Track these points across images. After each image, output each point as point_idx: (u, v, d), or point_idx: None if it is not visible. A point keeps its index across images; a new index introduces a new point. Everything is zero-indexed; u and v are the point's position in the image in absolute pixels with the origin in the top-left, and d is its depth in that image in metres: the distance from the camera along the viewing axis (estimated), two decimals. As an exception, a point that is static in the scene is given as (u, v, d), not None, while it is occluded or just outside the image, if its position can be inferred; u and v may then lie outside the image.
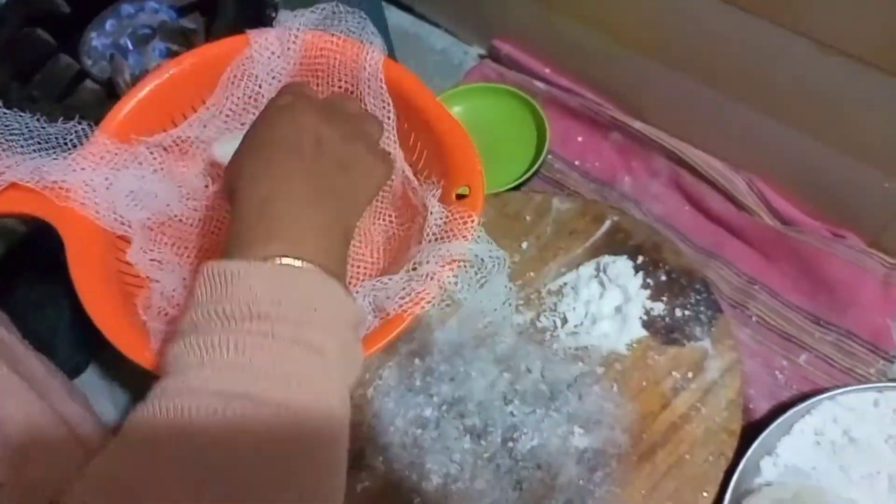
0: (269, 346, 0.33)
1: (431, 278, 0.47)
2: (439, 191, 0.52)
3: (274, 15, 0.59)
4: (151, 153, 0.54)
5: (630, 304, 0.61)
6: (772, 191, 0.67)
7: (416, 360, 0.61)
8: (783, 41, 0.54)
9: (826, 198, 0.64)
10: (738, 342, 0.61)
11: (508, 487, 0.55)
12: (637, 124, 0.72)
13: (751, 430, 0.57)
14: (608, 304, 0.61)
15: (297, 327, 0.34)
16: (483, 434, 0.57)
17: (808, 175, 0.64)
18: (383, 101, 0.53)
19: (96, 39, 0.63)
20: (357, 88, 0.55)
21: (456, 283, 0.47)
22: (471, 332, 0.62)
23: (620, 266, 0.63)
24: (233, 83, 0.55)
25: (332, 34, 0.55)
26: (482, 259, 0.48)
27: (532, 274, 0.64)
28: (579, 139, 0.76)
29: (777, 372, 0.61)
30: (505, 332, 0.61)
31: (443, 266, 0.47)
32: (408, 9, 0.90)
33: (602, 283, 0.63)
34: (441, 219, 0.50)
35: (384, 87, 0.53)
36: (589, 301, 0.62)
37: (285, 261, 0.36)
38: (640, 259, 0.63)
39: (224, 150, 0.52)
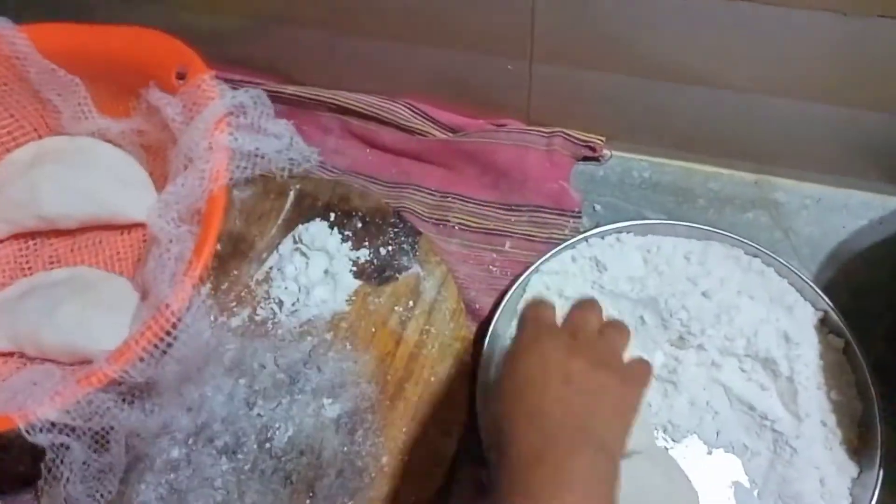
0: None
1: (211, 148, 0.45)
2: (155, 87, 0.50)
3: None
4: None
5: (335, 261, 0.61)
6: (432, 107, 0.70)
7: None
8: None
9: (474, 96, 0.68)
10: (449, 253, 0.64)
11: (279, 486, 0.54)
12: (290, 89, 0.71)
13: (486, 328, 0.59)
14: (316, 271, 0.61)
15: None
16: (237, 448, 0.55)
17: (453, 81, 0.67)
18: None
19: None
20: None
21: (234, 137, 0.46)
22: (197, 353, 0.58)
23: (314, 230, 0.62)
24: None
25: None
26: (251, 99, 0.47)
27: (236, 272, 0.62)
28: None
29: (490, 266, 0.64)
30: (227, 340, 0.59)
31: (213, 132, 0.45)
32: None
33: (304, 254, 0.62)
34: (178, 106, 0.48)
35: None
36: (297, 275, 0.61)
37: None
38: (332, 216, 0.63)
39: None
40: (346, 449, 0.54)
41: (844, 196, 0.66)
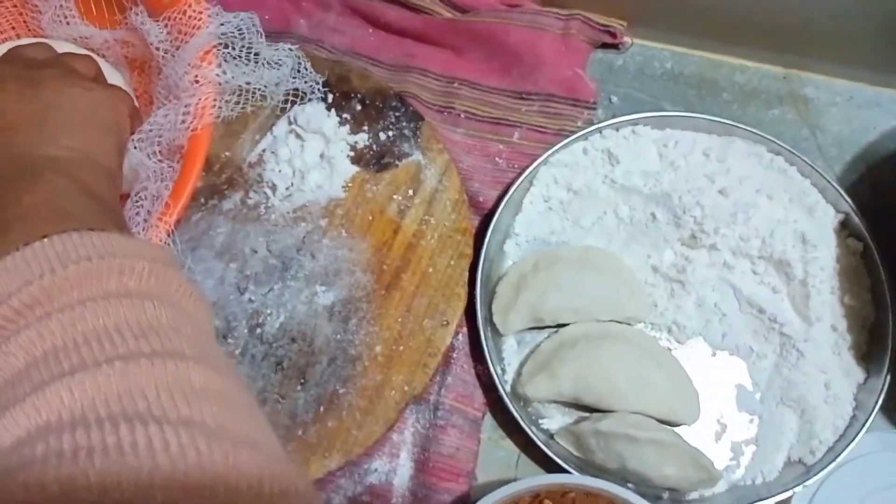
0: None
1: (197, 82, 0.42)
2: (143, 10, 0.46)
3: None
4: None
5: (332, 145, 0.57)
6: (440, -18, 0.64)
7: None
8: None
9: (487, -29, 0.63)
10: (453, 143, 0.60)
11: (270, 372, 0.52)
12: (286, -41, 0.65)
13: (489, 222, 0.56)
14: (311, 155, 0.57)
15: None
16: (228, 332, 0.54)
17: (464, -47, 0.61)
18: None
19: None
20: None
21: (223, 70, 0.43)
22: (184, 236, 0.56)
23: (311, 111, 0.58)
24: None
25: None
26: (237, 28, 0.43)
27: (227, 154, 0.58)
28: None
29: (496, 158, 0.61)
30: (218, 223, 0.56)
31: (199, 64, 0.42)
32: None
33: (299, 136, 0.58)
34: (162, 32, 0.44)
35: None
36: (291, 158, 0.57)
37: None
38: (330, 97, 0.59)
39: None
40: (338, 337, 0.53)
41: (876, 94, 0.62)
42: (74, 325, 0.27)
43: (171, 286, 0.30)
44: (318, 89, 0.47)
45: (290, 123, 0.59)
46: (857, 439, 0.49)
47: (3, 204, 0.32)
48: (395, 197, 0.57)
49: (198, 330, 0.30)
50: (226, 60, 0.44)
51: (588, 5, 0.63)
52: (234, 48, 0.45)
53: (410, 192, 0.57)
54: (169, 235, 0.40)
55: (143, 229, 0.40)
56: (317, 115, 0.58)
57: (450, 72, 0.63)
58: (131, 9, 0.48)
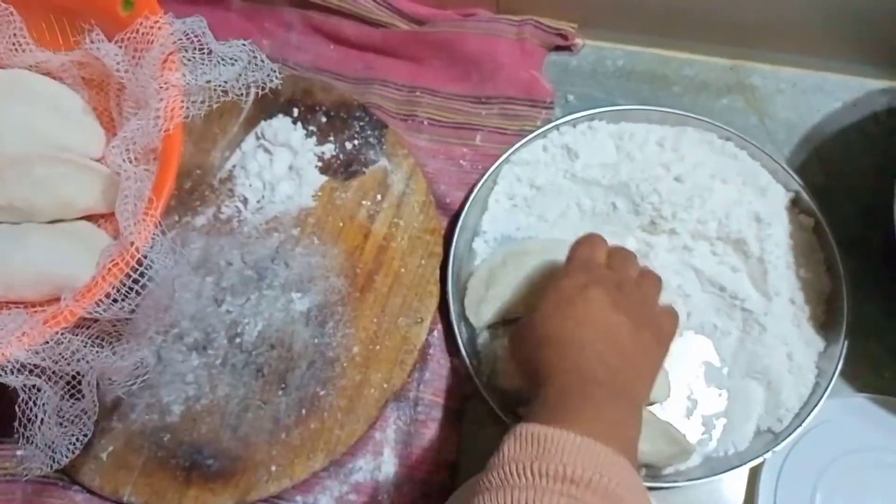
0: None
1: (163, 87, 0.44)
2: (99, 32, 0.48)
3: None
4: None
5: (300, 157, 0.59)
6: (396, -3, 0.67)
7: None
8: None
9: (440, -17, 0.65)
10: (418, 148, 0.62)
11: (251, 379, 0.54)
12: (248, -17, 0.67)
13: (457, 221, 0.58)
14: (280, 167, 0.59)
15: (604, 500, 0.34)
16: (208, 344, 0.55)
17: (417, -32, 0.64)
18: None
19: None
20: None
21: (184, 73, 0.45)
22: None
23: (277, 125, 0.60)
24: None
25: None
26: (187, 32, 0.45)
27: (199, 171, 0.60)
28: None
29: (461, 160, 0.63)
30: (192, 238, 0.58)
31: (162, 70, 0.44)
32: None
33: (267, 150, 0.60)
34: (119, 53, 0.46)
35: None
36: (261, 171, 0.59)
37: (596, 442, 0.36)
38: (296, 111, 0.61)
39: None
40: (316, 341, 0.54)
41: (820, 79, 0.64)
42: None
43: None
44: (276, 77, 0.49)
45: (257, 138, 0.60)
46: (819, 405, 0.51)
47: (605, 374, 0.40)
48: (363, 202, 0.58)
49: None
50: (184, 63, 0.45)
51: (540, 10, 0.66)
52: (188, 51, 0.46)
53: (378, 196, 0.58)
54: (156, 227, 0.42)
55: (134, 223, 0.42)
56: (283, 129, 0.60)
57: (411, 81, 0.66)
58: (87, 34, 0.49)
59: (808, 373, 0.53)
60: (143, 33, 0.46)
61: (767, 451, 0.50)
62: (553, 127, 0.60)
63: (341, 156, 0.60)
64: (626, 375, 0.42)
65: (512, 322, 0.56)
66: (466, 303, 0.56)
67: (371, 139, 0.60)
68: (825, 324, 0.54)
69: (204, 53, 0.46)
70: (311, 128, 0.60)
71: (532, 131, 0.61)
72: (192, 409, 0.53)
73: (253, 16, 0.69)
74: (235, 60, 0.47)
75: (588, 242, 0.48)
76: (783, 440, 0.50)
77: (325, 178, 0.59)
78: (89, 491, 0.52)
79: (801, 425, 0.50)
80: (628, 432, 0.39)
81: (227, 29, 0.69)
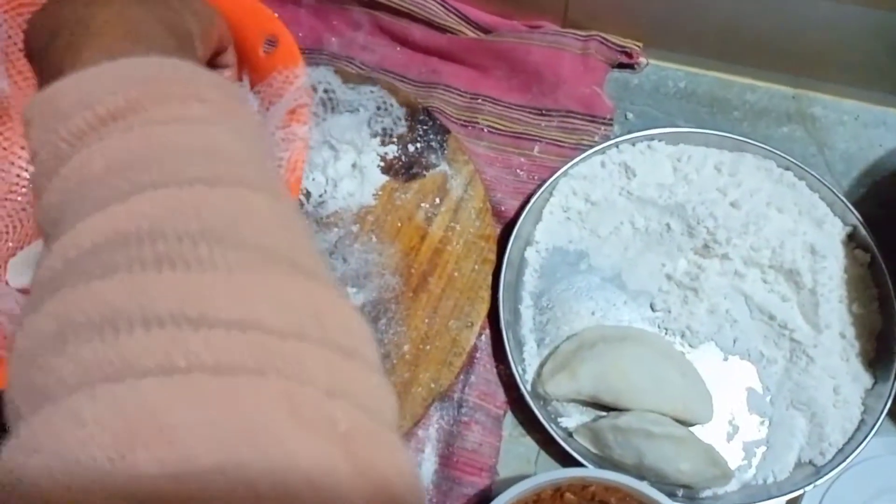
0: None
1: (291, 139, 0.44)
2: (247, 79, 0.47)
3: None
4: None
5: (364, 156, 0.61)
6: (465, 5, 0.68)
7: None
8: None
9: (510, -6, 0.66)
10: (476, 155, 0.63)
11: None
12: (320, -19, 0.69)
13: (511, 230, 0.59)
14: (344, 164, 0.61)
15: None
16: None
17: (489, -23, 0.65)
18: None
19: None
20: None
21: (310, 128, 0.45)
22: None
23: (345, 123, 0.61)
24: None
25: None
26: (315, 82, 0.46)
27: (263, 162, 0.62)
28: (275, 15, 0.72)
29: (517, 170, 0.64)
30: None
31: (289, 123, 0.44)
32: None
33: (332, 146, 0.61)
34: (255, 102, 0.46)
35: None
36: (325, 167, 0.61)
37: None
38: (362, 110, 0.62)
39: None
40: (368, 336, 0.56)
41: (882, 113, 0.64)
42: (160, 140, 0.27)
43: (246, 121, 0.31)
44: (402, 124, 0.49)
45: (323, 135, 0.62)
46: (865, 442, 0.51)
47: (80, 17, 0.32)
48: (422, 205, 0.60)
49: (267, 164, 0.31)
50: (312, 114, 0.46)
51: (606, 27, 0.66)
52: (317, 102, 0.47)
53: (437, 200, 0.60)
54: None
55: None
56: (350, 128, 0.61)
57: (473, 88, 0.67)
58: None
59: (854, 408, 0.53)
60: (276, 87, 0.46)
61: (809, 484, 0.50)
62: (613, 144, 0.61)
63: (403, 157, 0.61)
64: None
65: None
66: (545, 369, 0.55)
67: (433, 143, 0.61)
68: (874, 361, 0.54)
69: (328, 102, 0.46)
70: (376, 128, 0.62)
71: (589, 146, 0.62)
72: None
73: (322, 13, 0.71)
74: (364, 108, 0.47)
75: None
76: (825, 474, 0.50)
77: (386, 178, 0.60)
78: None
79: (844, 461, 0.50)
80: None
81: (296, 25, 0.71)
